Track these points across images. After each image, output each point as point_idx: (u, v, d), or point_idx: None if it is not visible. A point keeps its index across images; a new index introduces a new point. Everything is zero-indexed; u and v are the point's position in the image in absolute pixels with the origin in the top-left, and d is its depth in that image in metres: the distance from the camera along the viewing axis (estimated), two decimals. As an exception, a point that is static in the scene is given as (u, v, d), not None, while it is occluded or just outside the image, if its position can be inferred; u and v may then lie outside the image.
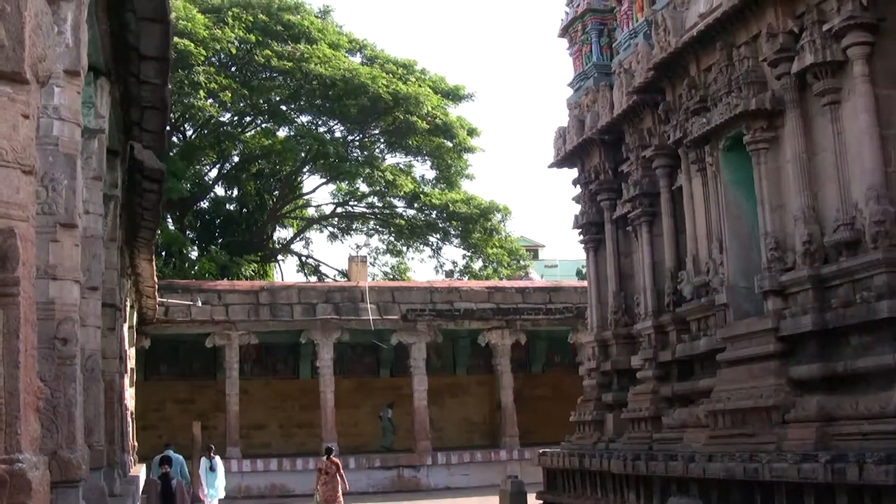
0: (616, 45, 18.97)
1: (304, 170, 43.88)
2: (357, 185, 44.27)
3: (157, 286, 25.91)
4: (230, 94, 37.74)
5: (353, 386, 33.24)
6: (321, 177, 44.23)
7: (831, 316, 11.95)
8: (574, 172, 20.61)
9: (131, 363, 24.75)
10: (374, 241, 46.37)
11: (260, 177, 43.84)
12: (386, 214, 45.17)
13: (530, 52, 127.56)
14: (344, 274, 42.07)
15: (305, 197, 46.60)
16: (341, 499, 21.21)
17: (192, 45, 35.83)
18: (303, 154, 41.56)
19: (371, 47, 43.35)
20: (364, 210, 45.57)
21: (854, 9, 11.81)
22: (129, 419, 22.19)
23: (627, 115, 17.65)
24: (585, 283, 21.58)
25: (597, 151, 19.26)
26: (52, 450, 7.58)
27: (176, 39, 31.08)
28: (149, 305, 27.18)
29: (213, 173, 44.34)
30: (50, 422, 7.73)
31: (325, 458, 21.99)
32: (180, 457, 22.44)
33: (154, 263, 23.16)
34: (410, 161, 44.42)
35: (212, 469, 22.91)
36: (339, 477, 21.26)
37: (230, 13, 38.91)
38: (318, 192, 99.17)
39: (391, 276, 44.94)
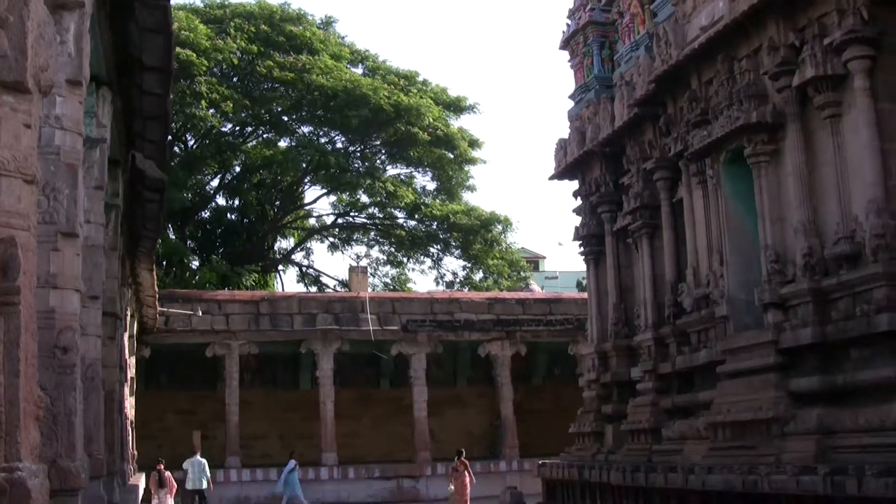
0: (617, 58, 19.00)
1: (305, 180, 43.89)
2: (358, 196, 44.23)
3: (157, 296, 25.91)
4: (232, 105, 37.72)
5: (354, 397, 33.11)
6: (322, 188, 44.23)
7: (831, 329, 11.95)
8: (575, 184, 20.63)
9: (131, 372, 24.76)
10: (375, 252, 46.35)
11: (261, 187, 43.84)
12: (387, 225, 45.12)
13: (532, 64, 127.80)
14: (344, 284, 42.01)
15: (306, 207, 46.60)
16: (468, 493, 24.88)
17: (194, 55, 35.86)
18: (304, 165, 41.54)
19: (373, 58, 43.39)
20: (365, 221, 45.52)
21: (855, 23, 11.84)
22: (129, 428, 22.24)
23: (628, 127, 17.67)
24: (586, 295, 21.58)
25: (598, 164, 19.28)
26: (52, 458, 7.56)
27: (178, 50, 31.15)
28: (149, 315, 27.18)
29: (215, 183, 44.38)
30: (50, 430, 7.70)
31: (456, 458, 25.52)
32: (204, 460, 25.81)
33: (155, 273, 23.17)
34: (411, 172, 44.41)
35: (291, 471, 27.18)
36: (466, 474, 25.03)
37: (232, 24, 38.96)
38: (319, 202, 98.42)
39: (392, 287, 44.84)
